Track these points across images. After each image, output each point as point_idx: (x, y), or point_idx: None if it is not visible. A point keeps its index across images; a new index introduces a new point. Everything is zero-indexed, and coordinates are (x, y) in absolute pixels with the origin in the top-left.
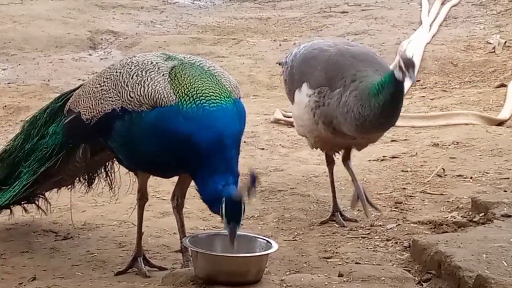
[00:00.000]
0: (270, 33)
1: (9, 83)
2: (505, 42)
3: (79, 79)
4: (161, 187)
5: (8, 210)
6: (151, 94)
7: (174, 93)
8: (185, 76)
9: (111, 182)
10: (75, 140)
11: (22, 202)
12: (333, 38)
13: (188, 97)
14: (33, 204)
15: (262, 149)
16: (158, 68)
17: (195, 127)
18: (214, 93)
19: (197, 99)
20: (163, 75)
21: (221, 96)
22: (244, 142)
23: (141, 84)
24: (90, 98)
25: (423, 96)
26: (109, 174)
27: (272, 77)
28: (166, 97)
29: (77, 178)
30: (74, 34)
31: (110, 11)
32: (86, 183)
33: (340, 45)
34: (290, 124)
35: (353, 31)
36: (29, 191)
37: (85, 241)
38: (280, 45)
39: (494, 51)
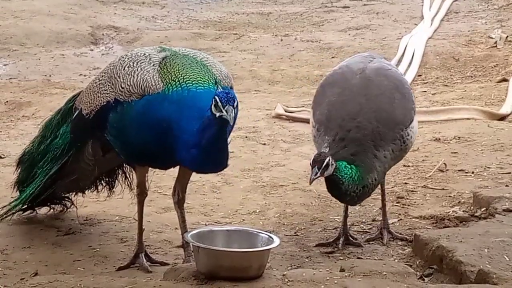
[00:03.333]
0: (271, 28)
1: (10, 78)
2: (507, 36)
3: (80, 75)
4: (163, 182)
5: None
6: (139, 83)
7: (162, 81)
8: (175, 65)
9: (130, 183)
10: (79, 137)
11: (48, 203)
12: (378, 58)
13: (174, 82)
14: (59, 206)
15: (264, 144)
16: (150, 59)
17: (179, 109)
18: (202, 78)
19: (183, 83)
20: (153, 65)
21: (209, 82)
22: (246, 137)
23: (131, 75)
24: (90, 93)
25: (425, 91)
26: (128, 176)
27: (273, 72)
28: (154, 85)
29: (98, 180)
30: (75, 29)
31: (111, 6)
32: (107, 186)
33: (370, 71)
34: (292, 119)
35: (355, 26)
36: (49, 192)
37: (87, 236)
38: (281, 40)
39: (496, 46)
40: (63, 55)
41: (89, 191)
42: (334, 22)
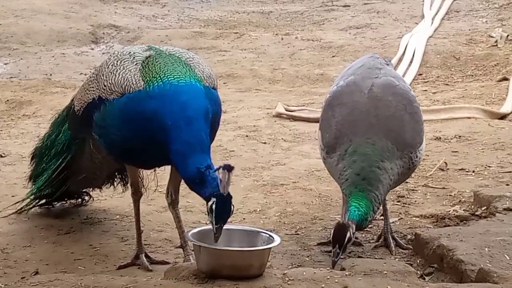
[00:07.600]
0: (272, 27)
1: (11, 77)
2: (508, 35)
3: (81, 74)
4: (164, 181)
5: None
6: (120, 82)
7: (143, 79)
8: (157, 64)
9: (141, 179)
10: (75, 133)
11: (66, 199)
12: (384, 68)
13: (155, 79)
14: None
15: (264, 143)
16: (133, 58)
17: (160, 102)
18: (184, 74)
19: (165, 77)
20: (136, 64)
21: (191, 78)
22: (246, 136)
23: (113, 73)
24: (82, 90)
25: (426, 90)
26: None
27: (274, 71)
28: (135, 84)
29: (112, 178)
30: (76, 28)
31: (112, 5)
32: (121, 183)
33: (377, 88)
34: (292, 118)
35: (355, 25)
36: (63, 190)
37: (87, 235)
38: (282, 39)
39: (496, 45)
40: (63, 54)
41: (106, 187)
42: (335, 21)
